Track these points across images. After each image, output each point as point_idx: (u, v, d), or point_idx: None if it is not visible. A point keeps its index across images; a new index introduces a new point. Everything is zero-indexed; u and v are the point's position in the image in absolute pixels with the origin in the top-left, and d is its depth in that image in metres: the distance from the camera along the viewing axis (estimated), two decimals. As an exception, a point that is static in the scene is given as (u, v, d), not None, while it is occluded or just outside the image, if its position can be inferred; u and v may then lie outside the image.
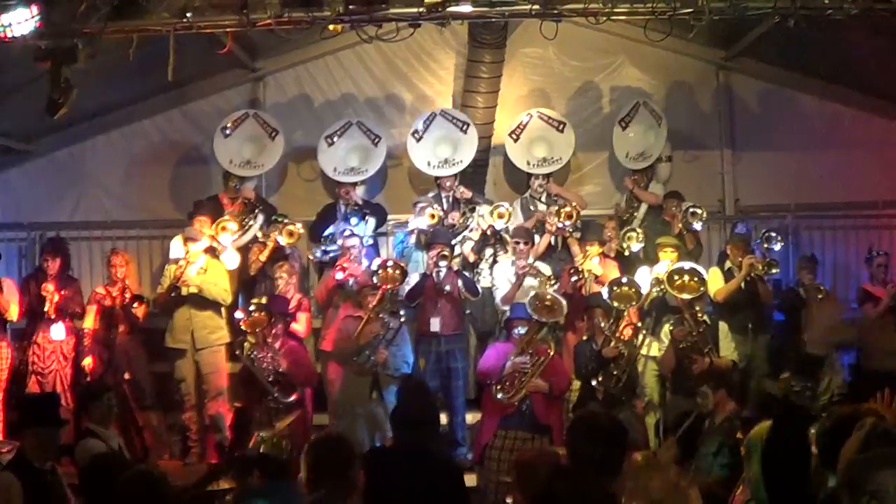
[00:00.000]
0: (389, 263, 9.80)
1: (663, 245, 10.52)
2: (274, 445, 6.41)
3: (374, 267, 9.81)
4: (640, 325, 9.77)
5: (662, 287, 10.01)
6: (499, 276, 10.52)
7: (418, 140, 11.52)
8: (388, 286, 9.64)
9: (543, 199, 11.33)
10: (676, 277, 9.81)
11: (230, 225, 10.52)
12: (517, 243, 10.46)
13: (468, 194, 11.19)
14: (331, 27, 9.23)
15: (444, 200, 11.17)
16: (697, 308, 9.67)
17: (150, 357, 10.71)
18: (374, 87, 12.71)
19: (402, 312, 9.74)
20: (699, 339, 9.46)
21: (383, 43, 9.79)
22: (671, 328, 9.71)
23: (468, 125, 11.45)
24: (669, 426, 9.03)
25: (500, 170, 12.45)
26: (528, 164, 11.52)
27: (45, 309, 10.42)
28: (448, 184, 11.19)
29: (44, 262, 10.71)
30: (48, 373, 10.41)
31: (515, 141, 11.70)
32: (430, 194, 11.35)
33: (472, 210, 11.06)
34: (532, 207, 11.32)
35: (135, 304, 10.47)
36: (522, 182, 11.86)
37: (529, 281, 10.28)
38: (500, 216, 10.65)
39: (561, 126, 11.69)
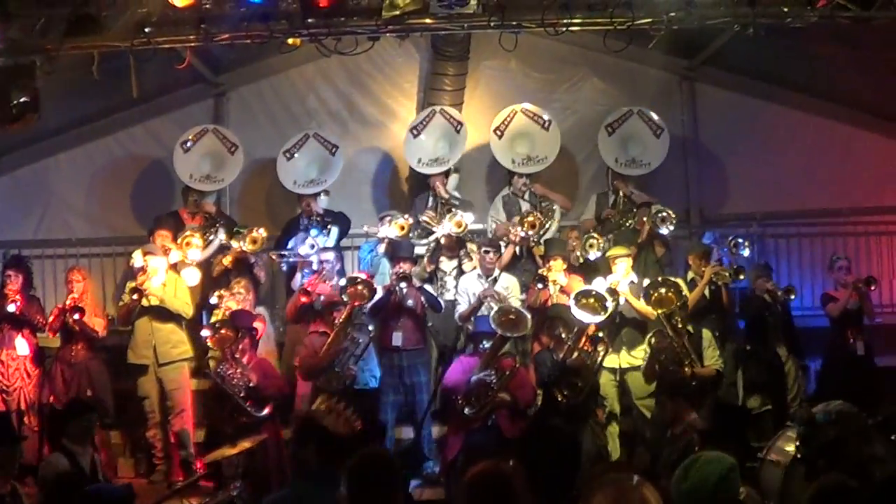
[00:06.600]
0: (358, 280, 9.70)
1: (614, 257, 10.32)
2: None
3: (342, 283, 9.74)
4: (601, 335, 9.65)
5: (615, 298, 9.89)
6: (462, 290, 10.41)
7: (415, 136, 11.45)
8: (357, 303, 9.56)
9: (527, 197, 11.16)
10: (652, 291, 9.78)
11: (194, 240, 10.48)
12: (486, 252, 10.38)
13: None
14: (290, 41, 9.20)
15: (436, 203, 11.10)
16: (677, 318, 9.61)
17: (113, 375, 10.55)
18: (337, 101, 12.68)
19: (370, 328, 9.65)
20: (679, 350, 9.44)
21: (346, 56, 9.76)
22: (652, 339, 9.69)
23: (462, 125, 11.39)
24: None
25: (483, 170, 12.38)
26: (513, 162, 11.31)
27: (5, 306, 10.24)
28: (439, 185, 11.11)
29: (6, 279, 10.51)
30: (13, 391, 10.23)
31: (500, 137, 11.48)
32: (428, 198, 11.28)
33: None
34: (509, 207, 11.17)
35: (76, 315, 10.19)
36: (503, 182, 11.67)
37: (502, 284, 10.24)
38: (458, 225, 10.46)
39: (547, 124, 11.49)
